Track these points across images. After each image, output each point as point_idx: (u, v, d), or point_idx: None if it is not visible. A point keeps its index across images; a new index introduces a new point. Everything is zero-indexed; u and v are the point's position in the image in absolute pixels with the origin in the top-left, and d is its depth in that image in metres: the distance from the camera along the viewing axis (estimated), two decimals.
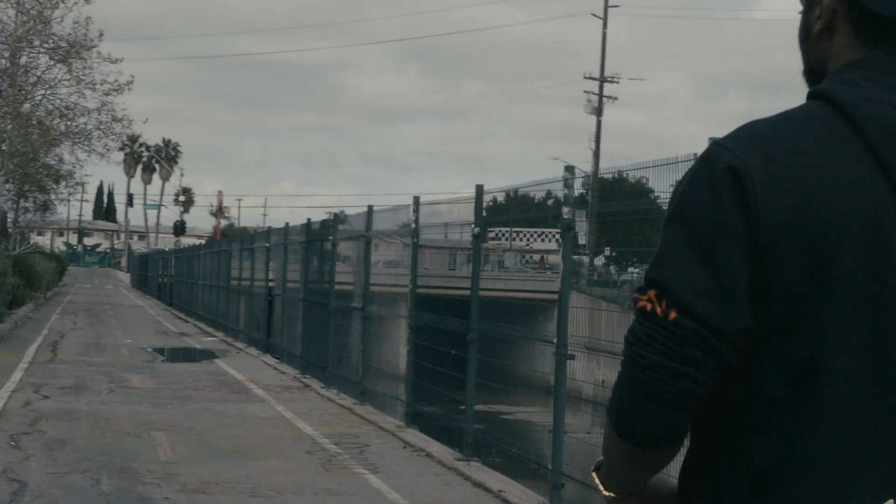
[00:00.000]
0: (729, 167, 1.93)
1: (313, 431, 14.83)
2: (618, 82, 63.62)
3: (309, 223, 22.75)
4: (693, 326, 1.89)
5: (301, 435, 14.58)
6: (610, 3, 61.97)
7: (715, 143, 1.99)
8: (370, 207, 18.13)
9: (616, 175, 13.13)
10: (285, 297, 25.00)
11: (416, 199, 15.40)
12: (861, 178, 1.93)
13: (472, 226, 13.38)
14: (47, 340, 27.64)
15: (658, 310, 1.92)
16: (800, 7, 2.15)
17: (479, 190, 13.33)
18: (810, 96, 2.05)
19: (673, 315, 1.90)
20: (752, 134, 1.98)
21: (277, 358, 25.43)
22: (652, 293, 1.93)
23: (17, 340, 26.87)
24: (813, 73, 2.14)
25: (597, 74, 62.68)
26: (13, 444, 12.53)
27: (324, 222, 21.68)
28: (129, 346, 27.73)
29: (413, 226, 15.41)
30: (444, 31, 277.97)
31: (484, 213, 13.66)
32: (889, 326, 1.93)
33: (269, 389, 19.50)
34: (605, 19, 61.67)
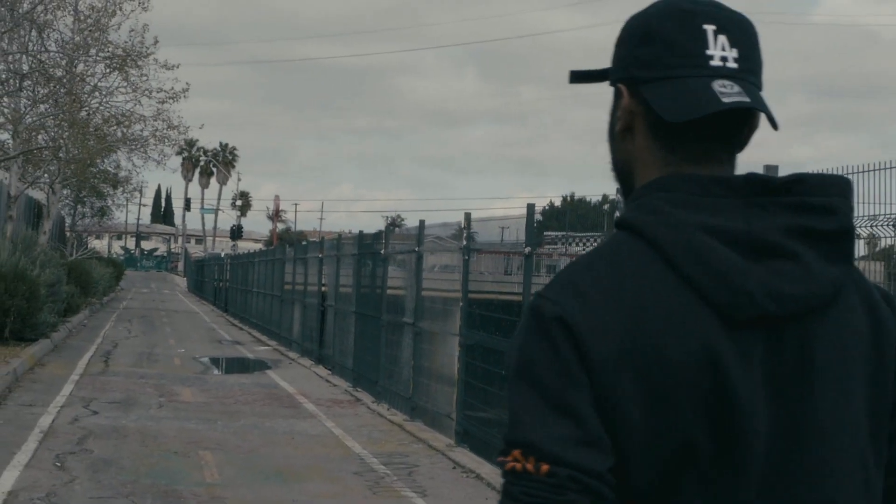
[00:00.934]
0: (556, 318, 1.89)
1: (362, 450, 14.66)
2: None
3: (361, 235, 22.63)
4: (568, 473, 1.85)
5: (350, 454, 14.41)
6: None
7: (538, 296, 1.95)
8: (422, 222, 17.96)
9: None
10: (337, 308, 24.88)
11: (468, 216, 15.20)
12: (684, 310, 1.88)
13: (524, 245, 13.16)
14: (100, 350, 27.68)
15: (529, 467, 1.86)
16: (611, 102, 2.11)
17: (531, 209, 13.10)
18: (618, 225, 2.00)
19: (545, 468, 1.85)
20: (571, 281, 1.94)
21: (329, 369, 25.31)
22: (517, 453, 1.87)
23: (71, 350, 26.93)
24: (620, 170, 2.09)
25: None
26: (58, 464, 12.43)
27: (376, 234, 21.56)
28: (182, 356, 27.73)
29: (464, 242, 15.20)
30: (503, 36, 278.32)
31: (540, 218, 13.42)
32: (737, 462, 1.89)
33: (319, 404, 19.37)
34: None
